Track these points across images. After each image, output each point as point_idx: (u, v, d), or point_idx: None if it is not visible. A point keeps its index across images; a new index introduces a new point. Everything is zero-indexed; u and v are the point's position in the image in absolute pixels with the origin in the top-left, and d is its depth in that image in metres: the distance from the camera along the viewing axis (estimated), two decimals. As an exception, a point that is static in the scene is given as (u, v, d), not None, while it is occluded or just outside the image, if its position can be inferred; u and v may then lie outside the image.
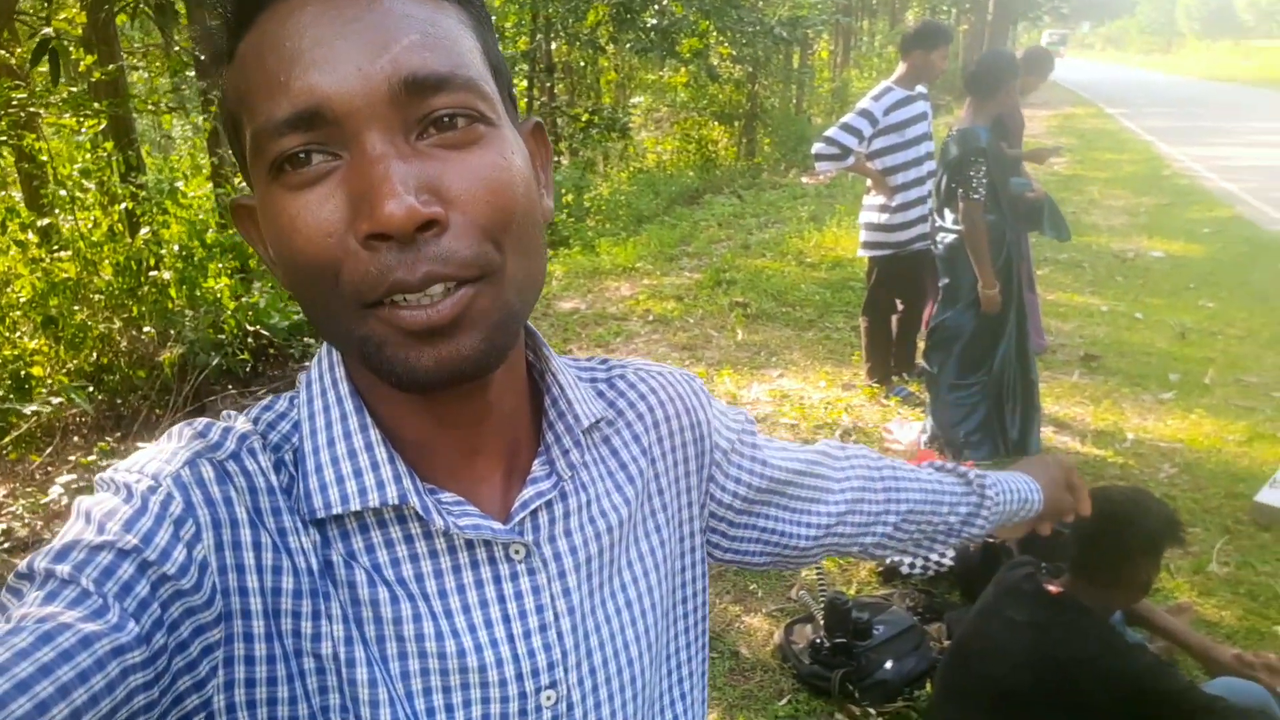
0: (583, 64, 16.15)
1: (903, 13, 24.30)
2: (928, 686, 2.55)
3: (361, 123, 0.49)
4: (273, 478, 0.57)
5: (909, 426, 4.24)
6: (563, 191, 10.25)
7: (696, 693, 0.75)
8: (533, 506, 0.61)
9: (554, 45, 14.86)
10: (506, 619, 0.59)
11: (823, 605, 2.71)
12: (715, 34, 10.50)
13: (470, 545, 0.58)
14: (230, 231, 5.72)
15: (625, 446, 0.69)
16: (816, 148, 4.26)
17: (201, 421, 0.59)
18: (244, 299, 5.27)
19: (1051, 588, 2.04)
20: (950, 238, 3.82)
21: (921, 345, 4.72)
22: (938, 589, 3.06)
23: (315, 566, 0.56)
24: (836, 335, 5.61)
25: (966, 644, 2.13)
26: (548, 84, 15.09)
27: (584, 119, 14.52)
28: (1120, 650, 1.89)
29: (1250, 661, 2.15)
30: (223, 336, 4.95)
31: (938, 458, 3.37)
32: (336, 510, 0.56)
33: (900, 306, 4.57)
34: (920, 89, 4.26)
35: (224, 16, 0.53)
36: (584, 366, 0.73)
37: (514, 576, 0.60)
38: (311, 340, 5.42)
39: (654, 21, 9.30)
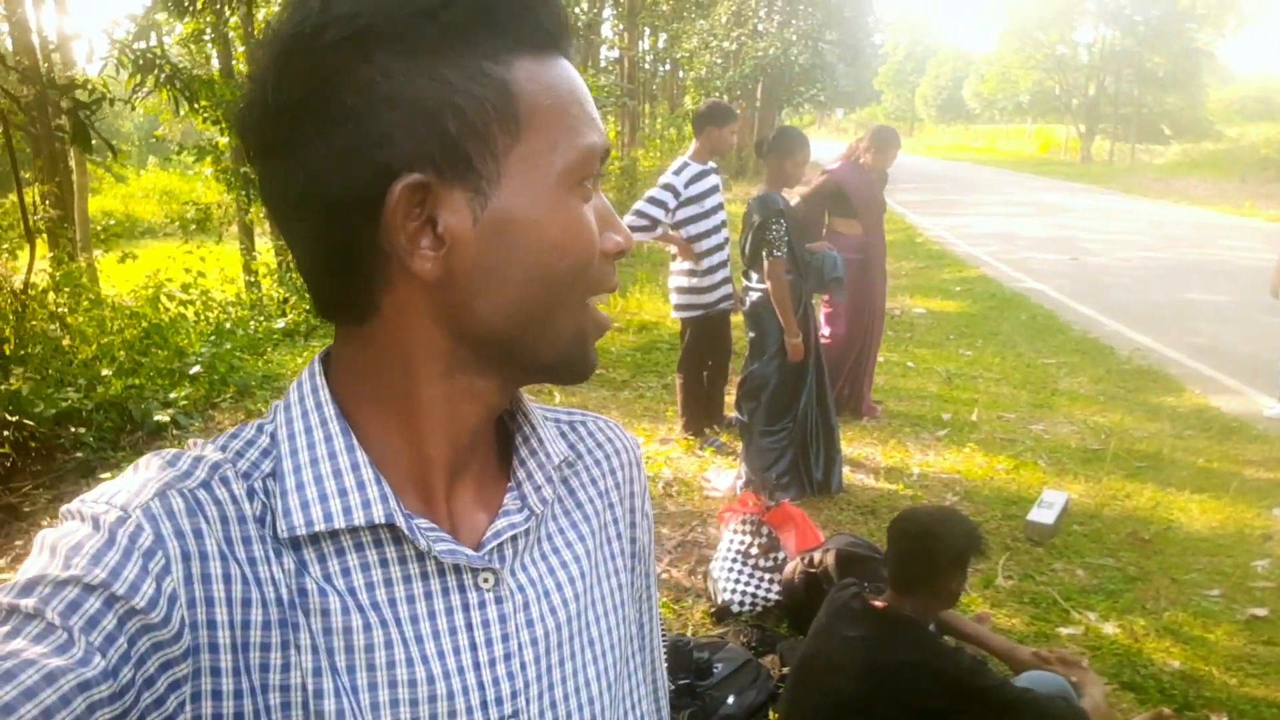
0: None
1: (680, 98, 25.88)
2: (770, 715, 2.66)
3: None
4: (245, 506, 0.57)
5: (725, 474, 4.45)
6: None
7: None
8: (505, 537, 0.62)
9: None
10: (473, 646, 0.60)
11: (665, 649, 2.78)
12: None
13: (442, 571, 0.59)
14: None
15: (583, 488, 0.72)
16: (628, 220, 4.46)
17: (170, 451, 0.59)
18: (1, 387, 4.76)
19: (877, 603, 2.22)
20: (756, 295, 4.11)
21: (729, 397, 5.00)
22: (767, 623, 3.21)
23: (285, 596, 0.56)
24: (650, 394, 5.82)
25: (807, 664, 2.26)
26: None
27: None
28: (943, 653, 2.09)
29: (1046, 657, 2.42)
30: (-23, 429, 4.43)
31: (754, 500, 3.58)
32: (319, 528, 0.56)
33: (709, 363, 4.82)
34: (712, 163, 4.59)
35: (511, 32, 0.56)
36: (546, 409, 0.76)
37: (481, 604, 0.61)
38: (83, 429, 4.94)
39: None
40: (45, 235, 8.01)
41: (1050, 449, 4.89)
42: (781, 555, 3.32)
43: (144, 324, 6.71)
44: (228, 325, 7.68)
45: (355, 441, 0.59)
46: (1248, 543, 3.81)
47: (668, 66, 25.91)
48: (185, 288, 7.39)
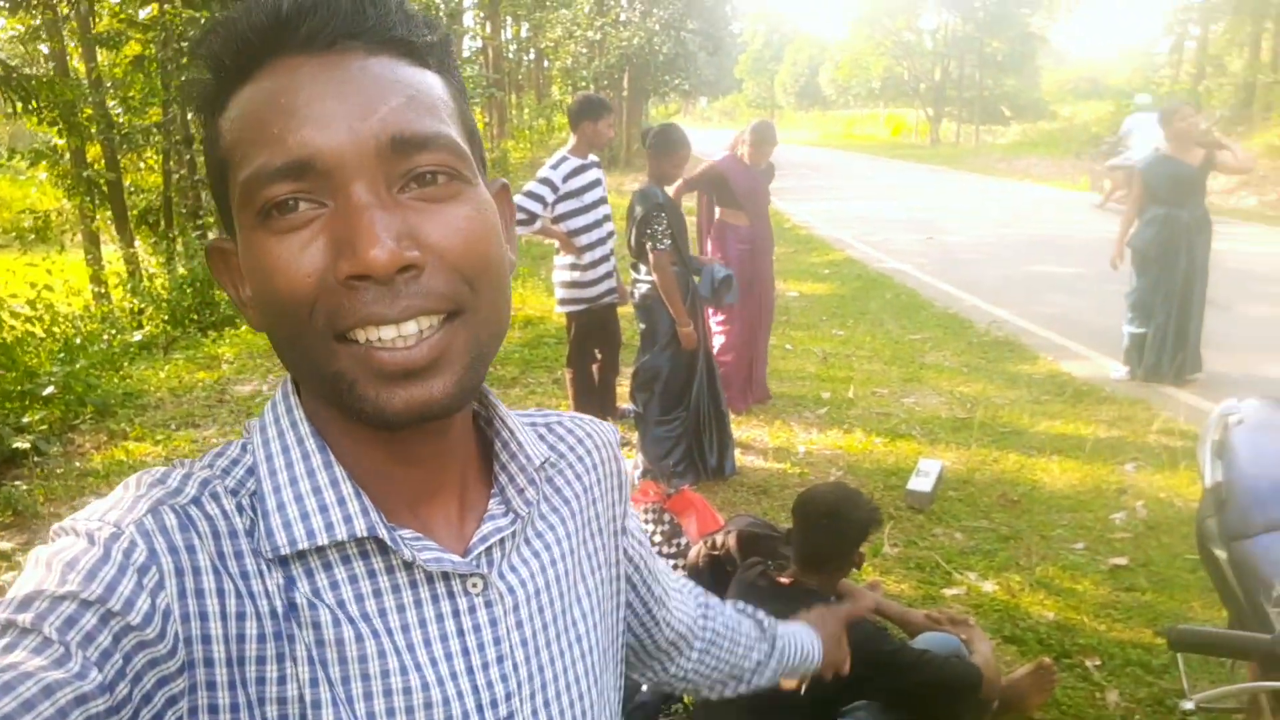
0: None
1: (547, 88, 25.76)
2: (685, 700, 2.73)
3: (349, 175, 0.53)
4: (235, 521, 0.57)
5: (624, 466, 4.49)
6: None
7: None
8: (491, 541, 0.63)
9: (190, 115, 13.89)
10: (466, 651, 0.60)
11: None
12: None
13: (430, 579, 0.60)
14: None
15: (567, 485, 0.73)
16: (506, 212, 4.43)
17: (160, 469, 0.59)
18: None
19: (782, 580, 2.31)
20: (644, 288, 4.17)
21: (621, 389, 5.05)
22: (673, 610, 3.28)
23: (279, 609, 0.56)
24: (540, 389, 5.81)
25: (720, 646, 2.33)
26: (187, 156, 14.03)
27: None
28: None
29: (937, 618, 2.58)
30: None
31: (654, 488, 3.65)
32: (302, 546, 0.57)
33: (598, 355, 4.85)
34: (592, 157, 4.61)
35: (219, 69, 0.56)
36: (522, 414, 0.76)
37: (472, 609, 0.61)
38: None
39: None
40: None
41: (922, 420, 5.17)
42: (684, 541, 3.40)
43: (-14, 345, 6.22)
44: (78, 340, 7.20)
45: (332, 458, 0.60)
46: (1105, 498, 4.14)
47: (532, 56, 25.73)
48: (31, 303, 6.86)
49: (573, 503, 0.73)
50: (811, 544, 2.30)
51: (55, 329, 7.45)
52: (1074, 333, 6.87)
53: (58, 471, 4.68)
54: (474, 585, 0.62)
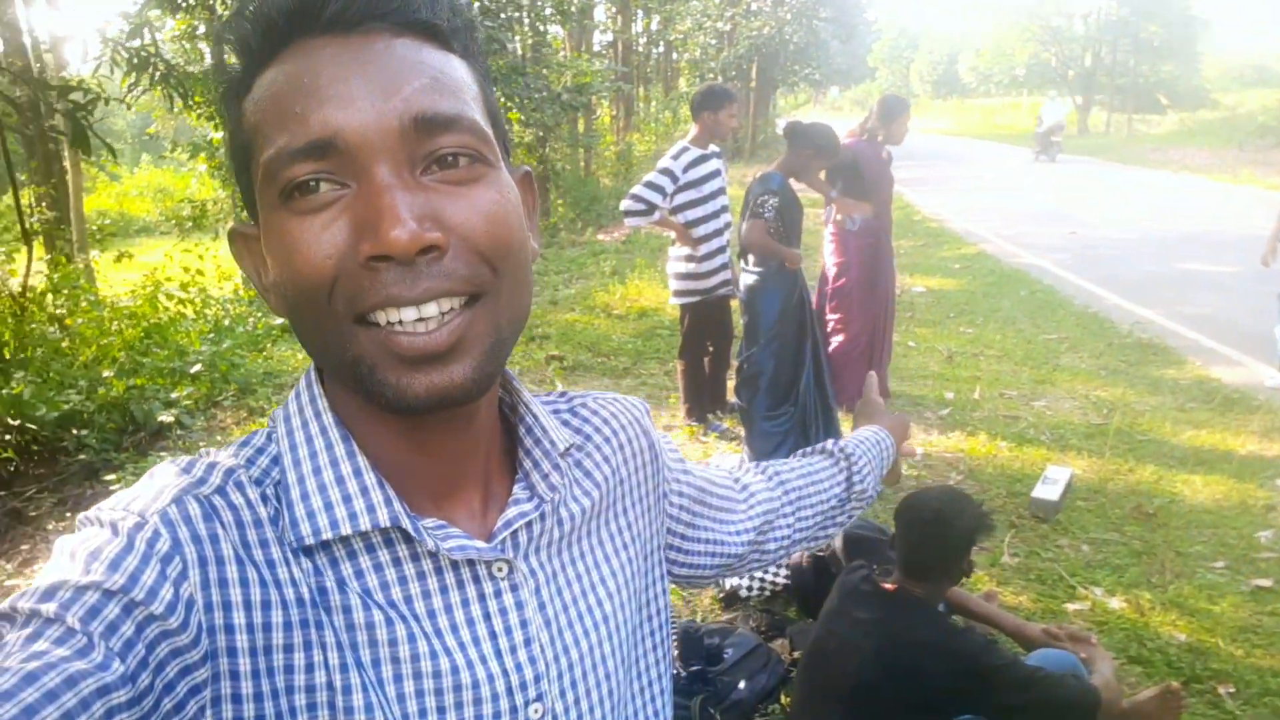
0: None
1: (675, 80, 25.76)
2: (782, 699, 2.68)
3: (371, 155, 0.52)
4: (260, 510, 0.58)
5: (729, 460, 4.45)
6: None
7: (666, 710, 0.77)
8: (515, 526, 0.63)
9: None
10: (493, 635, 0.61)
11: (676, 635, 2.80)
12: (504, 100, 10.71)
13: (456, 566, 0.60)
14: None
15: (597, 468, 0.73)
16: (625, 204, 4.45)
17: (185, 458, 0.60)
18: (2, 391, 4.77)
19: (887, 585, 2.23)
20: (750, 279, 4.10)
21: (732, 382, 5.00)
22: (776, 606, 3.23)
23: (307, 596, 0.56)
24: (651, 380, 5.82)
25: (820, 647, 2.27)
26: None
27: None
28: (955, 633, 2.10)
29: (1056, 634, 2.43)
30: (-22, 434, 4.44)
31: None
32: (326, 536, 0.57)
33: (710, 349, 4.81)
34: (713, 147, 4.56)
35: (246, 52, 0.57)
36: (545, 400, 0.76)
37: (498, 594, 0.62)
38: (85, 431, 4.95)
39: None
40: (42, 237, 8.00)
41: (1053, 425, 4.90)
42: (788, 539, 3.33)
43: (143, 324, 6.71)
44: (226, 322, 7.68)
45: (355, 448, 0.60)
46: (1251, 514, 3.82)
47: (661, 49, 25.76)
48: (184, 286, 7.36)
49: (601, 485, 0.73)
50: (915, 550, 2.21)
51: (206, 311, 7.96)
52: (1226, 336, 6.37)
53: (199, 444, 4.99)
54: (499, 570, 0.62)
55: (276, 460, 0.61)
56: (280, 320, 9.10)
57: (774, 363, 4.12)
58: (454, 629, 0.59)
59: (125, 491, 0.57)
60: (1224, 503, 3.93)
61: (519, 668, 0.61)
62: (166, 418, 4.97)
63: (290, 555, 0.57)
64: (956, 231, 11.71)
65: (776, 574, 3.28)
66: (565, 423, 0.74)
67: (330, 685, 0.55)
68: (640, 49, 24.03)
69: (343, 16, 0.54)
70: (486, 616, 0.61)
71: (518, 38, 13.43)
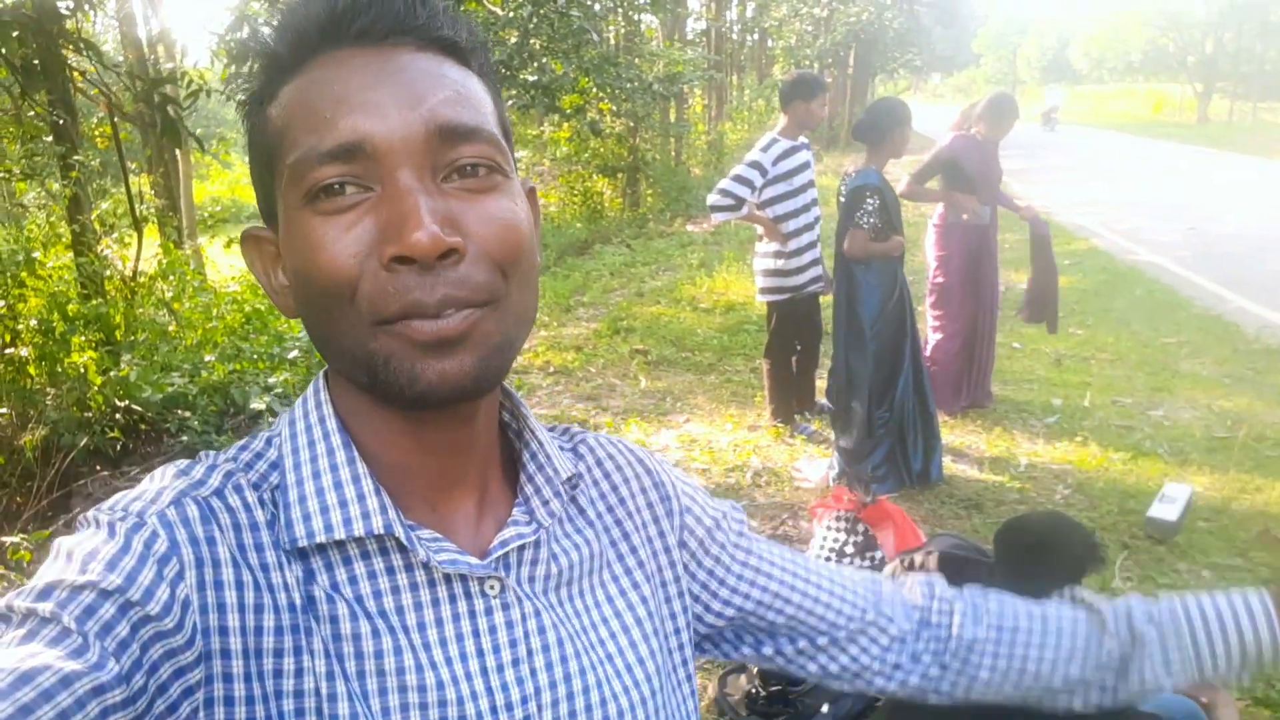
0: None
1: (769, 68, 25.35)
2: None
3: (397, 161, 0.54)
4: (257, 513, 0.59)
5: (817, 464, 4.28)
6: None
7: None
8: (511, 546, 0.63)
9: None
10: (481, 652, 0.60)
11: (755, 653, 2.67)
12: (595, 90, 10.66)
13: (448, 579, 0.60)
14: (94, 302, 5.36)
15: (591, 504, 0.72)
16: (712, 199, 4.31)
17: (184, 461, 0.61)
18: (111, 373, 4.94)
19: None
20: (850, 276, 3.92)
21: (820, 382, 4.82)
22: (863, 626, 3.06)
23: (298, 601, 0.57)
24: (737, 378, 5.67)
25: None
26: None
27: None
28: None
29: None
30: (89, 414, 4.60)
31: (849, 495, 3.42)
32: (320, 539, 0.58)
33: (798, 347, 4.64)
34: (803, 139, 4.38)
35: (273, 59, 0.59)
36: (549, 428, 0.76)
37: (489, 611, 0.61)
38: (188, 413, 5.10)
39: (534, 78, 9.35)
40: (153, 223, 8.32)
41: (1171, 437, 4.56)
42: (879, 555, 3.16)
43: (245, 309, 6.89)
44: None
45: (356, 454, 0.61)
46: (1398, 544, 3.46)
47: (756, 36, 25.36)
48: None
49: (595, 524, 0.72)
50: (1016, 579, 2.01)
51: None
52: (1370, 344, 5.85)
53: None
54: (491, 588, 0.62)
55: (276, 464, 0.62)
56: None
57: (872, 363, 3.93)
58: (442, 643, 0.59)
59: (125, 492, 0.58)
60: (1367, 530, 3.57)
61: (505, 687, 0.60)
62: (260, 405, 5.06)
63: (285, 559, 0.58)
64: (1065, 225, 11.14)
65: (865, 589, 3.11)
66: (565, 453, 0.74)
67: (318, 692, 0.56)
68: (734, 37, 23.71)
69: (370, 30, 0.57)
70: (476, 633, 0.60)
71: (611, 28, 13.37)
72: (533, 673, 0.61)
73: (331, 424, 0.62)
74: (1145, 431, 4.65)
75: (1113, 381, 5.46)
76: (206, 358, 5.81)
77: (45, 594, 0.49)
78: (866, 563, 3.15)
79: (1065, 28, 59.01)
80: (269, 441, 0.63)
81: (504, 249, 0.56)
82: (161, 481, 0.58)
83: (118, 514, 0.55)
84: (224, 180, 22.78)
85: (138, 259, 6.64)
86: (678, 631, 0.74)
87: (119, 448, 4.79)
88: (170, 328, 6.43)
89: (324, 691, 0.56)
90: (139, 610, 0.50)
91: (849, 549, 3.22)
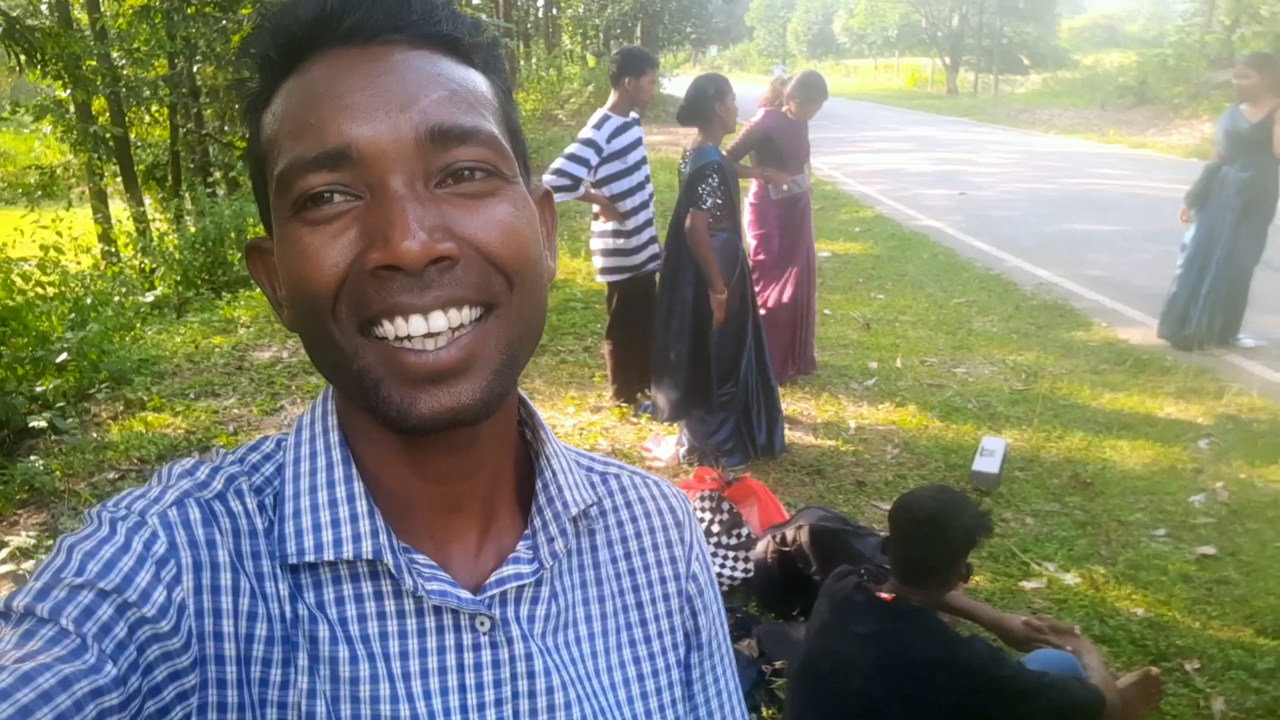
0: (227, 88, 14.83)
1: (558, 37, 25.13)
2: (763, 712, 2.53)
3: (386, 167, 0.51)
4: (256, 520, 0.57)
5: (666, 442, 4.28)
6: (226, 230, 9.27)
7: None
8: (508, 586, 0.60)
9: (196, 68, 13.52)
10: (463, 688, 0.58)
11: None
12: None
13: (438, 611, 0.58)
14: None
15: (604, 547, 0.68)
16: (546, 180, 4.15)
17: (190, 460, 0.59)
18: None
19: (883, 595, 2.09)
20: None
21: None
22: (736, 602, 3.08)
23: (288, 614, 0.56)
24: (571, 358, 5.57)
25: (813, 664, 2.12)
26: (194, 110, 13.69)
27: (241, 145, 13.31)
28: (961, 646, 1.98)
29: (1039, 627, 2.35)
30: None
31: (711, 474, 3.42)
32: (310, 558, 0.56)
33: (640, 327, 4.60)
34: (634, 114, 4.31)
35: (266, 64, 0.56)
36: (583, 454, 0.73)
37: (476, 647, 0.58)
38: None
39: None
40: None
41: (977, 393, 4.93)
42: (745, 531, 3.19)
43: (-5, 303, 6.00)
44: (89, 301, 6.97)
45: (354, 472, 0.59)
46: (1181, 478, 3.91)
47: (542, 3, 25.05)
48: (41, 265, 6.63)
49: (604, 568, 0.68)
50: (912, 555, 2.08)
51: (64, 289, 7.20)
52: (1125, 296, 6.59)
53: (75, 445, 4.47)
54: (482, 624, 0.59)
55: (281, 470, 0.60)
56: (150, 298, 8.40)
57: (717, 339, 3.95)
58: (423, 674, 0.57)
59: (129, 491, 0.57)
60: (1154, 468, 4.01)
61: None
62: (38, 423, 4.41)
63: (278, 570, 0.57)
64: (851, 194, 11.83)
65: (734, 567, 3.13)
66: (593, 485, 0.69)
67: (298, 707, 0.54)
68: (521, 4, 23.28)
69: (362, 28, 0.54)
70: (460, 668, 0.58)
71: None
72: (516, 715, 0.59)
73: (334, 437, 0.60)
74: (954, 389, 5.00)
75: (917, 343, 5.83)
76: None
77: (44, 594, 0.49)
78: (734, 539, 3.17)
79: (829, 4, 62.48)
80: (279, 444, 0.62)
81: (505, 253, 0.53)
82: (166, 481, 0.57)
83: (120, 512, 0.54)
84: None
85: None
86: (674, 703, 0.69)
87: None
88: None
89: (303, 707, 0.54)
90: (135, 611, 0.49)
91: (715, 528, 3.22)
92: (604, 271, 4.43)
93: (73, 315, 6.42)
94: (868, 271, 7.72)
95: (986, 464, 3.92)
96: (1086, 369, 5.22)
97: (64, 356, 5.42)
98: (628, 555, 0.69)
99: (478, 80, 0.56)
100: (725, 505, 3.26)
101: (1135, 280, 6.94)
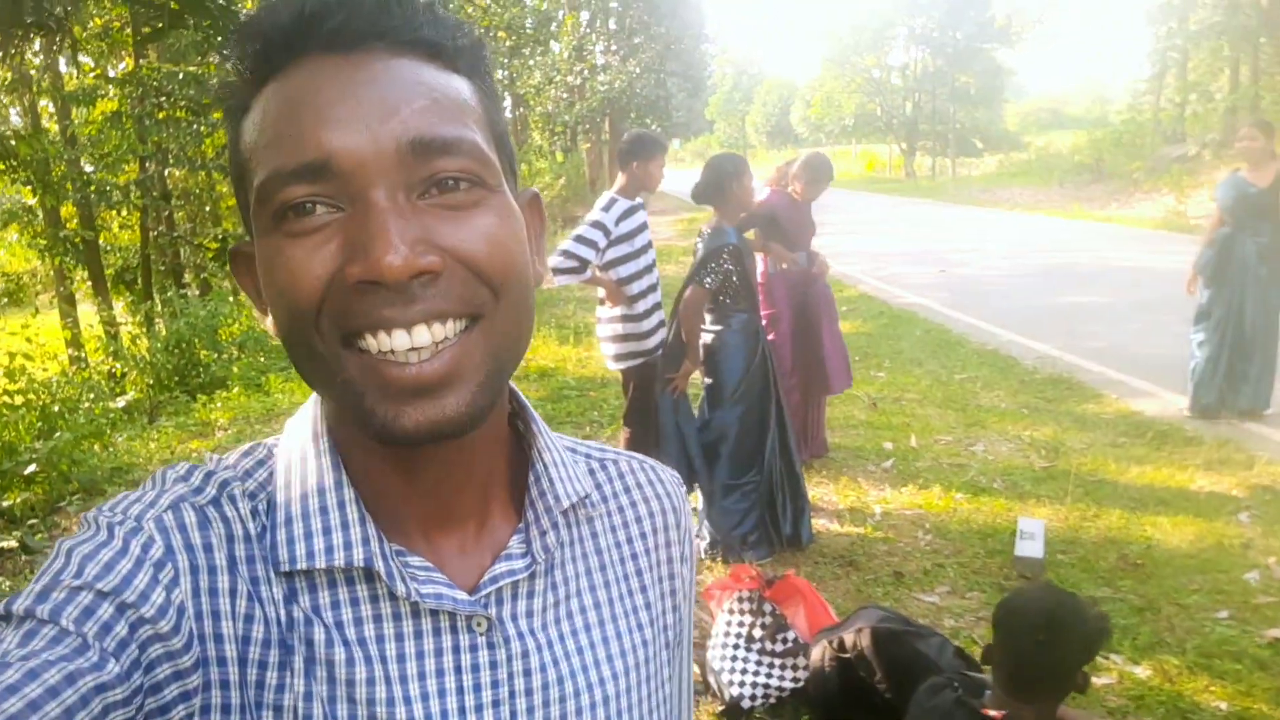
0: (198, 190, 14.79)
1: (526, 133, 25.55)
2: None
3: (367, 178, 0.50)
4: (250, 525, 0.57)
5: (686, 539, 4.03)
6: (200, 330, 9.05)
7: None
8: (502, 584, 0.59)
9: (168, 172, 13.46)
10: (461, 690, 0.57)
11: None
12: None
13: (434, 613, 0.57)
14: None
15: (606, 533, 0.67)
16: (554, 261, 4.01)
17: (184, 465, 0.59)
18: None
19: (990, 711, 1.86)
20: (709, 337, 3.75)
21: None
22: (785, 717, 2.81)
23: (283, 618, 0.55)
24: (575, 452, 5.32)
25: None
26: (165, 212, 13.57)
27: (214, 246, 13.17)
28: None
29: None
30: None
31: (748, 573, 3.17)
32: (302, 565, 0.55)
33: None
34: (640, 199, 4.21)
35: (245, 72, 0.54)
36: (580, 443, 0.72)
37: (473, 648, 0.57)
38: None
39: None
40: None
41: (1001, 471, 4.75)
42: (792, 635, 2.93)
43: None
44: (55, 409, 6.66)
45: (344, 478, 0.58)
46: (1231, 555, 3.72)
47: (509, 101, 25.54)
48: (11, 374, 6.34)
49: (606, 554, 0.67)
50: (1024, 665, 1.85)
51: (31, 397, 6.89)
52: (1128, 366, 6.51)
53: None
54: (478, 624, 0.58)
55: (273, 476, 0.59)
56: (121, 403, 8.10)
57: (739, 426, 3.76)
58: (421, 677, 0.56)
59: (125, 495, 0.56)
60: (1200, 544, 3.82)
61: None
62: (9, 543, 4.08)
63: (273, 575, 0.56)
64: (832, 274, 11.83)
65: (783, 676, 2.86)
66: (592, 472, 0.69)
67: (294, 710, 0.53)
68: (490, 102, 23.73)
69: (341, 34, 0.52)
70: (458, 670, 0.57)
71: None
72: (513, 715, 0.58)
73: (324, 443, 0.59)
74: (976, 468, 4.81)
75: (928, 421, 5.67)
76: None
77: (43, 596, 0.49)
78: (781, 644, 2.91)
79: (785, 95, 64.63)
80: (271, 450, 0.62)
81: (491, 264, 0.52)
82: (161, 485, 0.57)
83: (116, 516, 0.54)
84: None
85: None
86: (663, 684, 0.69)
87: None
88: None
89: (300, 710, 0.54)
90: (135, 612, 0.49)
91: (758, 632, 2.96)
92: (617, 359, 4.24)
93: (40, 424, 6.13)
94: (863, 349, 7.61)
95: (1029, 548, 3.71)
96: (1107, 443, 5.08)
97: (32, 468, 5.11)
98: (630, 540, 0.68)
99: (461, 86, 0.55)
100: (767, 607, 3.00)
101: (1134, 350, 6.88)
